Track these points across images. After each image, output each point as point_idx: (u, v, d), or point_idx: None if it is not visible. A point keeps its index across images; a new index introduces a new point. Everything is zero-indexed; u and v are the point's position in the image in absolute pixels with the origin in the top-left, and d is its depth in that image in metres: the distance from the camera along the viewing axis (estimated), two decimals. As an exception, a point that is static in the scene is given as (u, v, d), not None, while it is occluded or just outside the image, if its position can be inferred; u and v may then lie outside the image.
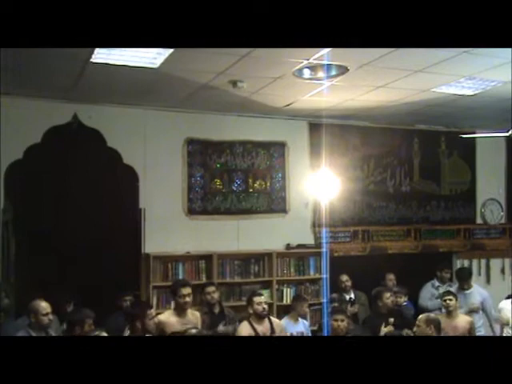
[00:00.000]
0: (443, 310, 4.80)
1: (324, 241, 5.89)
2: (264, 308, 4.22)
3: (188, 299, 4.14)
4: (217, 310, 4.66)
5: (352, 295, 5.45)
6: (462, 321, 4.57)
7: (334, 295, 5.42)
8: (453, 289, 5.19)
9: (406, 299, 5.28)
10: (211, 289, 4.70)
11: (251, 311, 4.27)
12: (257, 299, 4.28)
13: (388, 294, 4.88)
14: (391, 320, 4.54)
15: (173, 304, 4.40)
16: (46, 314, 3.67)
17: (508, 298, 4.85)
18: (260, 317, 4.23)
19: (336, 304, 5.10)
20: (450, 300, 4.59)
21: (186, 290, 4.14)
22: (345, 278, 5.54)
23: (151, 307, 4.04)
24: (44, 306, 3.68)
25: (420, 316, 4.03)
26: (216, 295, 4.66)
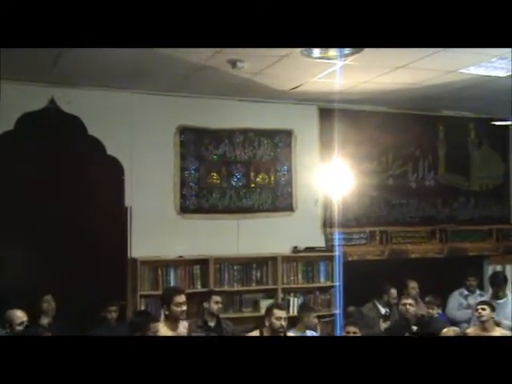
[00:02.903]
0: (474, 322, 4.83)
1: (336, 243, 5.91)
2: (282, 325, 4.22)
3: (184, 308, 4.15)
4: (213, 323, 4.72)
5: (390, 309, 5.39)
6: (498, 334, 4.50)
7: (352, 309, 5.43)
8: (485, 297, 5.20)
9: (438, 311, 5.31)
10: (217, 298, 4.76)
11: (267, 324, 4.28)
12: (277, 313, 4.25)
13: (410, 301, 4.91)
14: (414, 328, 4.59)
15: (163, 315, 4.43)
16: (21, 324, 3.81)
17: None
18: (275, 333, 4.23)
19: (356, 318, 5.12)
20: (484, 309, 4.51)
21: (182, 298, 4.15)
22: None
23: (157, 320, 4.04)
24: (19, 315, 3.84)
25: (444, 330, 4.07)
26: (221, 306, 4.75)
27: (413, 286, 5.71)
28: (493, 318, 4.58)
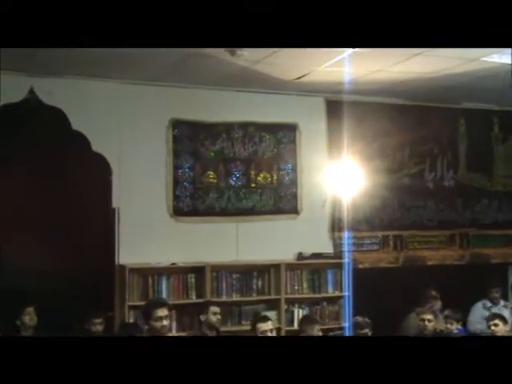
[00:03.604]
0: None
1: (345, 249, 5.89)
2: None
3: (165, 323, 4.11)
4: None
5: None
6: None
7: (359, 319, 5.34)
8: (508, 310, 5.18)
9: (458, 326, 5.25)
10: (216, 309, 4.74)
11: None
12: (262, 326, 4.27)
13: (429, 316, 4.87)
14: None
15: (145, 330, 4.35)
16: None
17: None
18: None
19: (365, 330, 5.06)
20: (496, 325, 4.48)
21: (163, 312, 4.12)
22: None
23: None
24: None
25: None
26: (220, 318, 4.74)
27: (432, 294, 5.61)
28: (507, 330, 4.52)
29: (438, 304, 5.57)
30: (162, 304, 4.26)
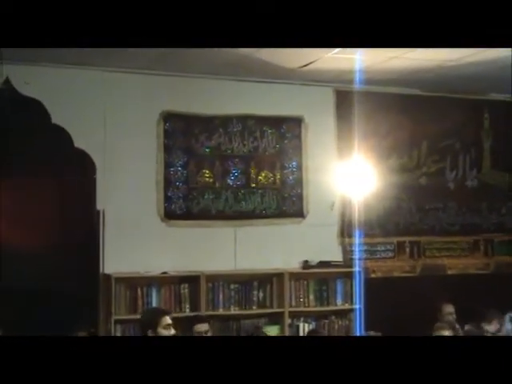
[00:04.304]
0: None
1: (356, 257, 5.86)
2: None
3: (173, 331, 4.16)
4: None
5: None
6: None
7: (372, 334, 5.40)
8: None
9: None
10: (203, 327, 4.72)
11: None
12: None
13: (446, 332, 4.86)
14: None
15: None
16: None
17: None
18: None
19: None
20: None
21: (169, 320, 4.18)
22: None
23: None
24: None
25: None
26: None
27: (449, 311, 5.61)
28: None
29: (454, 319, 5.53)
30: (166, 312, 4.37)
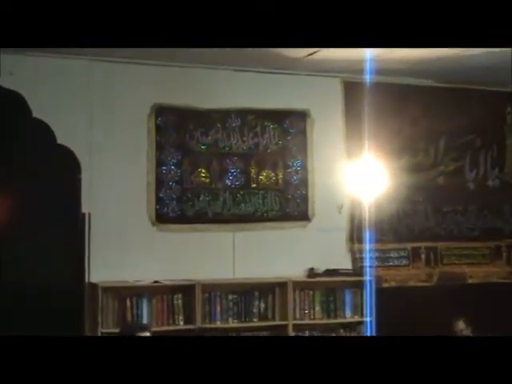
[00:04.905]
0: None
1: (367, 264, 5.82)
2: None
3: None
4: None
5: None
6: None
7: None
8: None
9: None
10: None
11: None
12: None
13: None
14: None
15: None
16: None
17: None
18: None
19: None
20: None
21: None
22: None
23: None
24: None
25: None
26: None
27: (460, 328, 5.56)
28: None
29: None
30: (145, 327, 4.37)
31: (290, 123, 5.85)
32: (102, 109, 5.34)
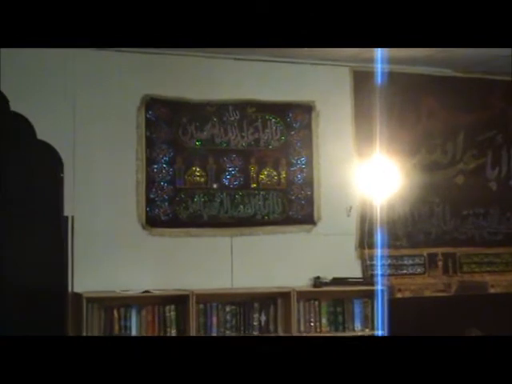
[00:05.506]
0: None
1: (378, 272, 5.82)
2: None
3: None
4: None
5: None
6: None
7: None
8: None
9: None
10: None
11: None
12: None
13: None
14: None
15: None
16: None
17: None
18: None
19: None
20: None
21: None
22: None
23: None
24: None
25: None
26: None
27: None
28: None
29: None
30: None
31: (294, 117, 5.82)
32: (87, 101, 5.32)
